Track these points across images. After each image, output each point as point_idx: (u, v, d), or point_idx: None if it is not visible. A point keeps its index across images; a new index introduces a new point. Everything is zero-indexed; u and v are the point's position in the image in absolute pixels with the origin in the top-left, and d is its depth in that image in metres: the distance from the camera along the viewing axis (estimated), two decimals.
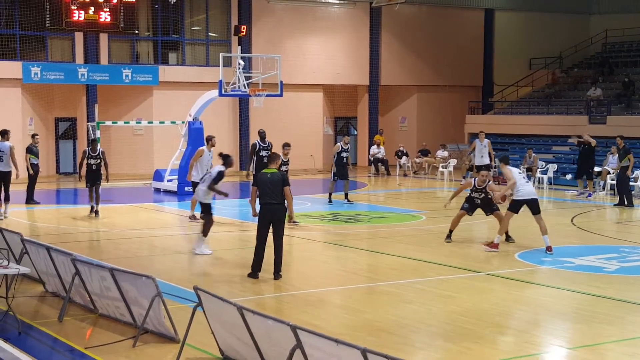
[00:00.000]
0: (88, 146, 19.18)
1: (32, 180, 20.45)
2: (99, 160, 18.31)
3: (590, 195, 22.38)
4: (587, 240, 15.48)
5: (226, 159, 13.84)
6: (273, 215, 11.36)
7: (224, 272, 12.52)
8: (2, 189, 17.83)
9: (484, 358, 8.04)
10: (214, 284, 11.21)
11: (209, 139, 18.00)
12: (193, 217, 17.17)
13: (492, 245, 13.62)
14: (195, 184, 16.28)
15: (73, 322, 9.26)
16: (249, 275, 11.61)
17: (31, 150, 20.54)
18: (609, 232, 16.62)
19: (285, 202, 11.48)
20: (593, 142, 22.59)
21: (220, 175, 13.52)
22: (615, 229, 17.43)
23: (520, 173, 13.99)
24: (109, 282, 8.80)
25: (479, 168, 23.55)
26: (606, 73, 32.76)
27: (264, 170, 11.68)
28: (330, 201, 20.68)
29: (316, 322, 9.10)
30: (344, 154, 20.39)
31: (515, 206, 13.69)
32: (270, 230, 11.45)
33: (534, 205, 13.63)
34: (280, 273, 11.57)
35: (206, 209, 13.67)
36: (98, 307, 9.42)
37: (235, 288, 11.12)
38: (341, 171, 20.41)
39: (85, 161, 18.46)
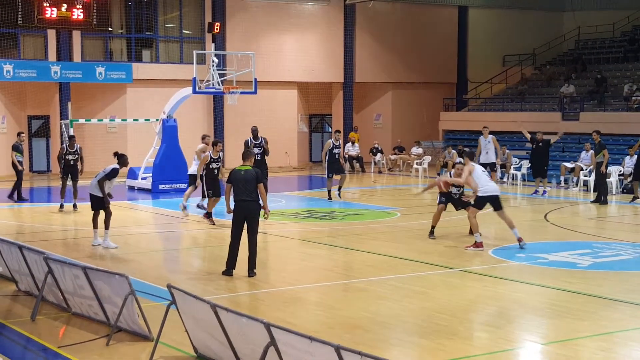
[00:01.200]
0: (65, 143, 19.74)
1: (19, 177, 20.56)
2: (76, 156, 18.78)
3: (545, 193, 22.27)
4: (561, 236, 15.60)
5: (121, 158, 14.01)
6: (247, 212, 11.37)
7: (199, 270, 12.47)
8: None
9: (459, 354, 8.07)
10: (188, 282, 11.16)
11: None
12: (184, 209, 17.75)
13: (476, 245, 13.64)
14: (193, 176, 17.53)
15: (46, 321, 9.18)
16: (224, 273, 11.57)
17: (17, 148, 20.74)
18: (582, 228, 16.78)
19: (260, 199, 11.47)
20: (554, 138, 22.70)
21: (114, 173, 13.76)
22: (588, 225, 17.60)
23: (483, 171, 14.13)
24: (82, 280, 8.73)
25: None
26: (579, 70, 33.05)
27: (237, 168, 11.66)
28: (330, 198, 20.76)
29: (291, 319, 9.09)
30: (336, 150, 20.64)
31: (479, 203, 13.85)
32: (245, 227, 11.44)
33: (496, 202, 13.79)
34: (255, 270, 11.55)
35: (100, 203, 13.69)
36: (71, 306, 9.33)
37: (209, 286, 11.08)
38: (335, 167, 20.62)
39: (64, 157, 18.87)
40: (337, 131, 22.98)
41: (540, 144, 22.39)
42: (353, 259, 13.44)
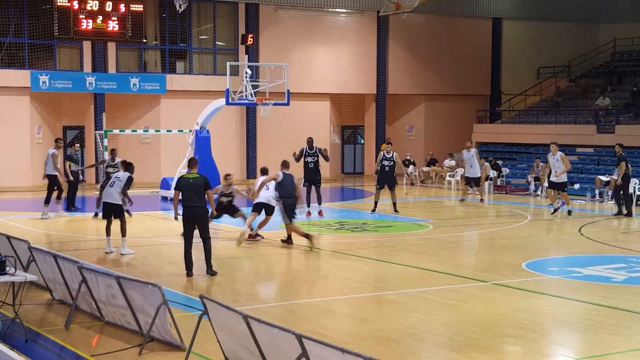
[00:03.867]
0: (106, 156, 20.72)
1: (72, 186, 21.12)
2: (116, 169, 18.86)
3: (563, 204, 21.48)
4: (596, 250, 15.40)
5: (129, 167, 14.54)
6: (196, 217, 12.17)
7: (231, 280, 12.50)
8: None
9: None
10: (220, 293, 11.20)
11: (225, 177, 16.39)
12: (256, 235, 16.17)
13: (251, 237, 15.41)
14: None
15: (80, 329, 9.26)
16: (187, 275, 12.19)
17: (71, 158, 21.35)
18: (618, 242, 16.54)
19: (208, 204, 12.53)
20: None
21: (131, 180, 14.33)
22: (624, 239, 17.34)
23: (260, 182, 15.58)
24: (116, 289, 8.80)
25: (468, 180, 23.59)
26: (615, 82, 32.69)
27: (185, 175, 12.44)
28: (374, 210, 20.84)
29: (323, 331, 9.08)
30: (385, 162, 20.57)
31: (255, 207, 15.57)
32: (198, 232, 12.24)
33: (268, 209, 15.57)
34: (213, 269, 12.21)
35: (119, 211, 14.26)
36: (104, 315, 9.42)
37: (241, 296, 11.11)
38: (383, 179, 20.56)
39: (103, 167, 19.73)
40: (388, 142, 22.51)
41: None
42: (385, 271, 13.38)
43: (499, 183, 27.65)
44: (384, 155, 20.68)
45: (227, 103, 22.73)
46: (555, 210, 20.25)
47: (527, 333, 9.41)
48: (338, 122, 34.87)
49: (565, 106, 32.51)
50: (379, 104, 34.29)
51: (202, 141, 23.54)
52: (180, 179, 12.54)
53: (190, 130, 24.64)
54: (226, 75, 22.93)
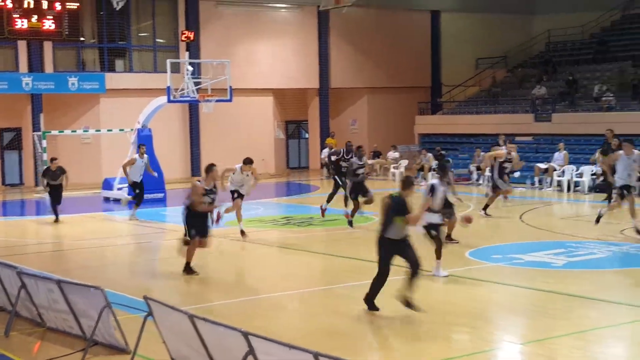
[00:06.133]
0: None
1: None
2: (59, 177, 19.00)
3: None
4: (536, 236, 15.70)
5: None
6: None
7: (175, 280, 12.39)
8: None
9: (439, 356, 8.09)
10: (166, 293, 11.09)
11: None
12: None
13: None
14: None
15: (20, 336, 9.06)
16: None
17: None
18: (557, 228, 16.90)
19: None
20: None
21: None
22: (563, 225, 17.72)
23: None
24: (57, 294, 8.63)
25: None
26: (550, 72, 33.36)
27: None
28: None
29: (271, 327, 9.06)
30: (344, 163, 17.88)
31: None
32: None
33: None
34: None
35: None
36: (46, 321, 9.23)
37: (186, 296, 11.02)
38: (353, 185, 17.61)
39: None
40: (332, 136, 21.00)
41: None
42: (332, 264, 13.43)
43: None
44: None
45: (169, 101, 22.51)
46: None
47: (472, 320, 9.55)
48: (282, 117, 34.83)
49: (504, 96, 33.06)
50: (322, 98, 34.35)
51: (144, 140, 23.24)
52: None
53: (131, 129, 24.32)
54: (167, 72, 22.69)
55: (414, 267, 9.45)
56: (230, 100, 23.47)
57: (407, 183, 9.72)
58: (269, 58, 32.59)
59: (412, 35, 35.68)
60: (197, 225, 12.10)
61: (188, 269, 12.17)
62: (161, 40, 30.97)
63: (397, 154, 30.77)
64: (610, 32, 34.87)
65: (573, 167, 23.81)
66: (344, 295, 10.92)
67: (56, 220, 18.61)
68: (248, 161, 15.58)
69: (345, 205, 17.73)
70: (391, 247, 9.52)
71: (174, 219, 17.84)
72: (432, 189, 11.52)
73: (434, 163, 27.59)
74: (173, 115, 30.27)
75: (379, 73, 34.89)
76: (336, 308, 10.20)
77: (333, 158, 18.53)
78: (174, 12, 30.80)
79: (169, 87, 22.08)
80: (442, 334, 8.92)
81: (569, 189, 23.45)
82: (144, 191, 19.52)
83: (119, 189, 23.59)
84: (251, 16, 32.20)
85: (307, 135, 35.83)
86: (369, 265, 12.86)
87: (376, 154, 31.87)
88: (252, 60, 32.00)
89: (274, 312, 10.14)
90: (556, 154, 24.62)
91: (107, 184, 24.35)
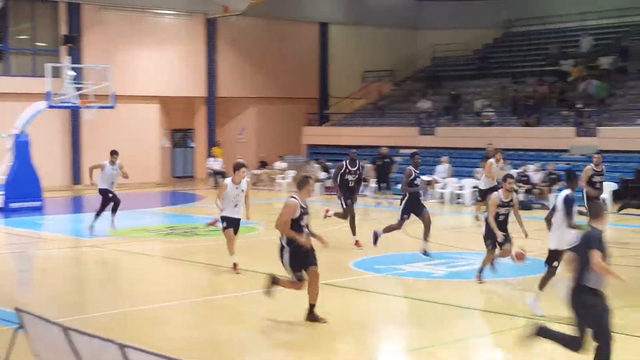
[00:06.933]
0: None
1: None
2: None
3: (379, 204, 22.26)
4: (417, 247, 16.00)
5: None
6: None
7: (52, 291, 11.92)
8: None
9: None
10: (43, 305, 10.64)
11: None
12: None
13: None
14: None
15: None
16: None
17: None
18: (439, 239, 17.31)
19: None
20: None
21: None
22: (444, 236, 18.18)
23: None
24: None
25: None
26: (435, 86, 34.33)
27: None
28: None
29: (152, 340, 8.83)
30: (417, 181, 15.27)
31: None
32: None
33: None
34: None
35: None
36: None
37: (64, 308, 10.61)
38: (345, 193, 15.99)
39: None
40: (218, 145, 20.45)
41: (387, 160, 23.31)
42: (216, 275, 13.26)
43: (328, 185, 28.18)
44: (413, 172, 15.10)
45: (49, 106, 21.74)
46: None
47: (356, 331, 9.64)
48: (168, 125, 34.27)
49: (390, 109, 33.75)
50: (209, 107, 34.02)
51: (21, 146, 22.36)
52: None
53: (8, 135, 23.31)
54: (47, 77, 21.89)
55: None
56: (112, 107, 22.91)
57: (302, 182, 9.66)
58: (155, 65, 32.02)
59: (301, 47, 35.92)
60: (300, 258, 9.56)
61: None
62: (42, 44, 29.87)
63: (284, 164, 30.84)
64: (492, 49, 36.28)
65: (455, 179, 24.52)
66: (227, 305, 10.80)
67: None
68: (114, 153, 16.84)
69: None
70: None
71: (51, 227, 17.19)
72: None
73: (321, 174, 27.83)
74: (54, 121, 29.22)
75: (268, 83, 34.90)
76: (219, 319, 10.07)
77: (336, 174, 15.92)
78: (54, 15, 29.77)
79: (48, 93, 21.34)
80: (324, 344, 8.95)
81: (451, 201, 24.14)
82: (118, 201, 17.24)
83: None
84: (136, 22, 31.56)
85: (193, 144, 35.40)
86: (252, 275, 12.80)
87: (263, 164, 31.86)
88: (137, 67, 31.35)
89: (156, 323, 9.91)
90: (439, 167, 25.29)
91: None
